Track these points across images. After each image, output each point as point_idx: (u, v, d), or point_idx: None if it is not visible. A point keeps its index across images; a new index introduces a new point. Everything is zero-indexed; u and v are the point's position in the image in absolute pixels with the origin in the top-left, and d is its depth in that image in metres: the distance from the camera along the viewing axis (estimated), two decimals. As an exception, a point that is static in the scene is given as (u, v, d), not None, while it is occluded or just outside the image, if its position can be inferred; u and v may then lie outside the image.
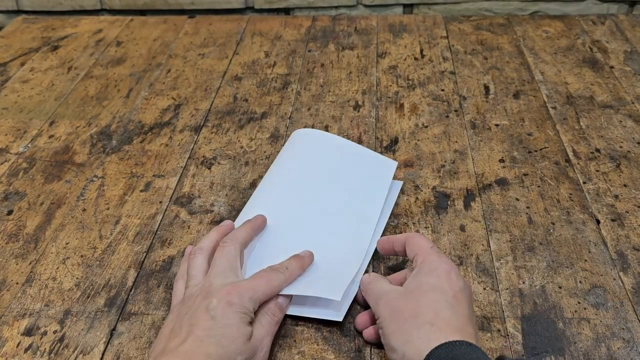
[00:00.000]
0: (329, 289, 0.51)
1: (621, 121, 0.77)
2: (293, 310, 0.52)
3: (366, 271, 0.56)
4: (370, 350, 0.50)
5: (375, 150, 0.73)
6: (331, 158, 0.65)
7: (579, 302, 0.53)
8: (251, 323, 0.47)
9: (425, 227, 0.62)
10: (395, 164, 0.66)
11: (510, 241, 0.60)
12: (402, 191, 0.66)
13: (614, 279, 0.55)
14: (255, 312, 0.48)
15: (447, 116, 0.79)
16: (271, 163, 0.71)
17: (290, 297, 0.52)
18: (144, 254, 0.59)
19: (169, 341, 0.44)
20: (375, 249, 0.57)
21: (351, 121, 0.79)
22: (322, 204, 0.61)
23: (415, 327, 0.43)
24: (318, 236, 0.58)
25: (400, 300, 0.46)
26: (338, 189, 0.62)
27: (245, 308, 0.46)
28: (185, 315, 0.46)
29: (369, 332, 0.50)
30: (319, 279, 0.53)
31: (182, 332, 0.44)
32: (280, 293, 0.51)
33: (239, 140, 0.76)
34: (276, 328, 0.49)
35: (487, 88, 0.85)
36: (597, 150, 0.72)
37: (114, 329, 0.52)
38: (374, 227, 0.59)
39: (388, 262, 0.58)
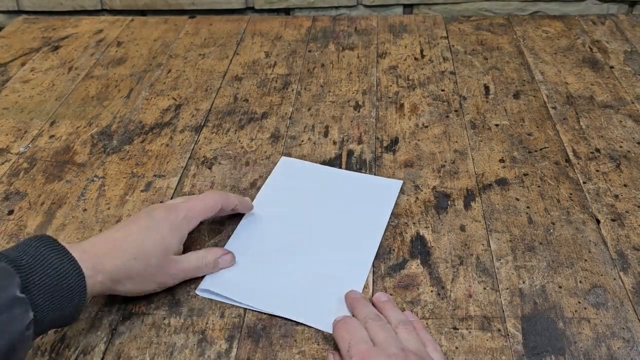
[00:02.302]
0: (325, 321, 0.51)
1: (621, 121, 0.77)
2: (285, 313, 0.53)
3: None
4: (371, 349, 0.50)
5: (375, 150, 0.73)
6: (335, 191, 0.67)
7: (579, 302, 0.53)
8: (181, 243, 0.54)
9: (426, 227, 0.62)
10: (400, 182, 0.67)
11: (510, 241, 0.60)
12: (402, 191, 0.66)
13: (614, 279, 0.55)
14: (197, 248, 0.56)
15: (447, 116, 0.79)
16: (271, 163, 0.71)
17: (231, 259, 0.57)
18: (145, 254, 0.59)
19: (110, 229, 0.53)
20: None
21: (351, 121, 0.79)
22: (322, 238, 0.61)
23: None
24: (318, 266, 0.58)
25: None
26: (338, 221, 0.63)
27: (179, 224, 0.54)
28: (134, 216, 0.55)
29: None
30: (317, 308, 0.53)
31: (121, 224, 0.53)
32: (279, 315, 0.53)
33: (239, 140, 0.76)
34: (198, 272, 0.56)
35: (487, 88, 0.85)
36: (597, 150, 0.72)
37: (114, 329, 0.52)
38: (374, 255, 0.59)
39: (388, 262, 0.58)
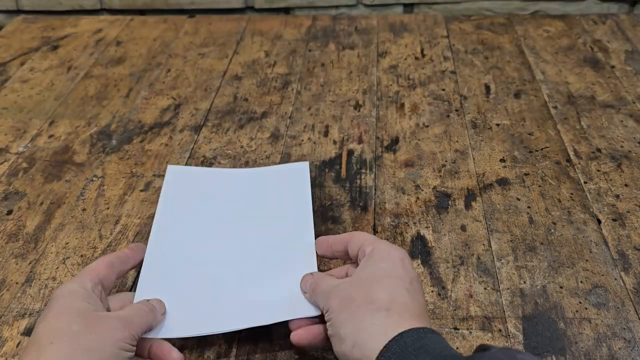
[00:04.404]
0: (304, 307, 0.48)
1: (622, 121, 0.77)
2: (266, 320, 0.48)
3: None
4: (371, 350, 0.49)
5: (375, 150, 0.73)
6: (238, 190, 0.63)
7: (580, 302, 0.53)
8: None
9: (426, 227, 0.61)
10: (306, 164, 0.65)
11: (511, 241, 0.60)
12: (403, 191, 0.66)
13: (615, 279, 0.55)
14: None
15: (448, 116, 0.79)
16: (271, 163, 0.71)
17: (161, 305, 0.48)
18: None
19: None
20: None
21: (352, 121, 0.78)
22: (248, 237, 0.57)
23: (369, 313, 0.40)
24: (264, 265, 0.54)
25: (352, 288, 0.43)
26: (258, 215, 0.59)
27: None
28: None
29: (304, 332, 0.45)
30: (288, 302, 0.49)
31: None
32: (257, 325, 0.48)
33: (239, 140, 0.76)
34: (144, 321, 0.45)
35: (487, 87, 0.85)
36: (598, 150, 0.72)
37: (113, 329, 0.52)
38: (312, 231, 0.56)
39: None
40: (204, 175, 0.66)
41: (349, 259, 0.50)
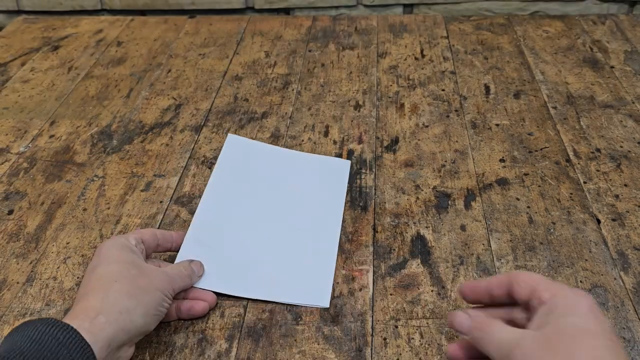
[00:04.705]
0: (315, 295, 0.54)
1: (621, 121, 0.77)
2: (277, 297, 0.54)
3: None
4: (371, 350, 0.50)
5: (375, 150, 0.73)
6: (285, 170, 0.69)
7: (579, 302, 0.53)
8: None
9: (426, 227, 0.62)
10: (348, 162, 0.70)
11: (510, 241, 0.60)
12: (402, 191, 0.66)
13: (615, 279, 0.55)
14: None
15: (448, 116, 0.79)
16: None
17: (200, 266, 0.55)
18: (145, 254, 0.59)
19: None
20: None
21: (352, 121, 0.79)
22: (284, 217, 0.63)
23: None
24: (287, 245, 0.60)
25: (544, 351, 0.35)
26: (298, 199, 0.65)
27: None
28: None
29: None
30: (302, 287, 0.55)
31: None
32: (269, 299, 0.54)
33: (239, 140, 0.76)
34: (185, 279, 0.53)
35: (487, 88, 0.85)
36: (598, 150, 0.72)
37: (114, 329, 0.52)
38: (339, 227, 0.62)
39: (389, 261, 0.58)
40: (258, 149, 0.72)
41: (511, 304, 0.42)
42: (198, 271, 0.54)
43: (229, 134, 0.73)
